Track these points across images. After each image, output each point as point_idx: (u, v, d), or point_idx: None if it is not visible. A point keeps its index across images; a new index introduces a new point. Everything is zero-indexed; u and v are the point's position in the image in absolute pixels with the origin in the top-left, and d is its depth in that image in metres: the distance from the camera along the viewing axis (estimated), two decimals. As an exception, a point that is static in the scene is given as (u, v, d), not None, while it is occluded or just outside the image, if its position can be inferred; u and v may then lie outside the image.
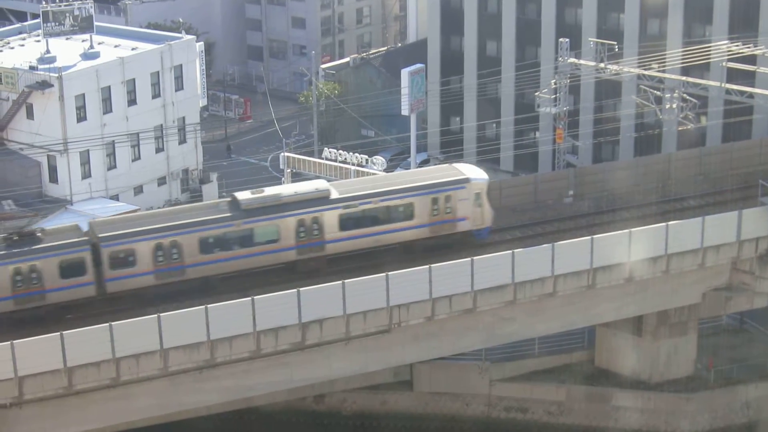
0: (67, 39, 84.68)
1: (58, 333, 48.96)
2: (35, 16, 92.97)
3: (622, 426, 63.58)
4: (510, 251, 55.69)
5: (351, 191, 58.31)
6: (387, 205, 57.90)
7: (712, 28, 78.83)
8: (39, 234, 54.68)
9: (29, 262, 53.02)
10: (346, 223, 57.20)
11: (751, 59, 66.02)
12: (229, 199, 57.82)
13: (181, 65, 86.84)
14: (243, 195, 57.05)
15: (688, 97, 66.63)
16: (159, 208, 77.87)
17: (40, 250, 53.39)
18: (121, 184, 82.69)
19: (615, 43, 68.36)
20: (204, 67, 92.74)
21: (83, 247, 53.90)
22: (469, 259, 54.93)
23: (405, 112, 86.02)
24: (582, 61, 71.32)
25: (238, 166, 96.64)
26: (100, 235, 54.35)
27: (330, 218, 56.85)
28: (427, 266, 54.20)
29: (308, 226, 56.55)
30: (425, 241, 58.72)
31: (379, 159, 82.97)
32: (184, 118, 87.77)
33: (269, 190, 57.73)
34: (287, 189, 58.41)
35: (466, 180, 59.10)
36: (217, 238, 55.47)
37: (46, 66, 79.96)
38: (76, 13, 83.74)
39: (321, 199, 57.08)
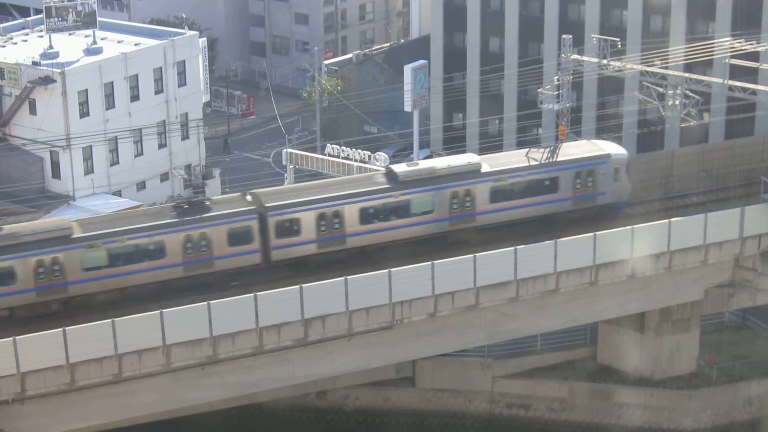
0: (70, 34, 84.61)
1: (61, 329, 48.94)
2: (38, 11, 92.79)
3: (624, 423, 63.54)
4: (512, 248, 55.77)
5: (501, 165, 60.09)
6: (535, 178, 59.87)
7: (715, 24, 78.77)
8: (208, 203, 55.96)
9: (199, 229, 54.38)
10: (496, 195, 59.15)
11: (754, 56, 65.81)
12: (384, 171, 59.88)
13: (184, 61, 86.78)
14: (400, 167, 59.06)
15: (690, 94, 66.36)
16: (161, 204, 77.71)
17: (209, 219, 54.85)
18: (123, 180, 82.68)
19: (618, 39, 67.94)
20: (207, 62, 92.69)
21: (251, 215, 55.45)
22: (471, 255, 54.96)
23: (408, 108, 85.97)
24: (585, 58, 71.07)
25: (240, 161, 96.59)
26: (267, 205, 55.88)
27: (482, 191, 58.78)
28: (430, 263, 54.20)
29: (461, 198, 58.33)
30: (567, 214, 60.50)
31: (382, 155, 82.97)
32: (186, 113, 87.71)
33: (423, 163, 59.88)
34: (441, 162, 60.27)
35: (608, 156, 61.18)
36: (376, 209, 57.29)
37: (49, 61, 79.85)
38: (79, 8, 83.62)
39: (473, 172, 58.95)
